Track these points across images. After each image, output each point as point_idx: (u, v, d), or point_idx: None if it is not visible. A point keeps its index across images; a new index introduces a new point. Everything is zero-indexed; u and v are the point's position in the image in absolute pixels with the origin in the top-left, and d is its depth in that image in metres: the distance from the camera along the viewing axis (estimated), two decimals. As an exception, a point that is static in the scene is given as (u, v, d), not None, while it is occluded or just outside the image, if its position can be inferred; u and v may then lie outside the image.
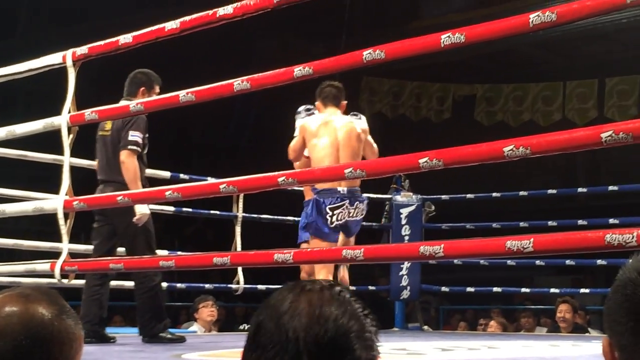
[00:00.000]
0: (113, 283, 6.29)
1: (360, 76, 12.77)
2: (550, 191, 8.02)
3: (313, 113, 5.39)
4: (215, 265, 3.75)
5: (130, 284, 6.73)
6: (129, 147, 4.88)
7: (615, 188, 7.51)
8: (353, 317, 1.17)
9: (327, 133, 5.02)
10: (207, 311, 6.89)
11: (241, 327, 8.16)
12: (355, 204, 5.10)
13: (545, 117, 12.15)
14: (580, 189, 8.69)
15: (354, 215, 5.09)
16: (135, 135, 4.91)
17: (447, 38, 2.68)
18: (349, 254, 2.91)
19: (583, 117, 11.67)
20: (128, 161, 4.86)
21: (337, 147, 5.02)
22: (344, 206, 5.05)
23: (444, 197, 7.94)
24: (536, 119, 12.19)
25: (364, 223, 7.64)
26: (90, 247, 5.90)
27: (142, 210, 4.88)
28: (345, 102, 5.26)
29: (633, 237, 2.28)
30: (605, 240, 2.33)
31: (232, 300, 10.58)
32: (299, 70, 3.08)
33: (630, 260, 1.07)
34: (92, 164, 5.86)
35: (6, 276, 4.81)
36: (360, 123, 5.22)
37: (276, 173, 3.13)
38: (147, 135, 5.05)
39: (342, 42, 9.71)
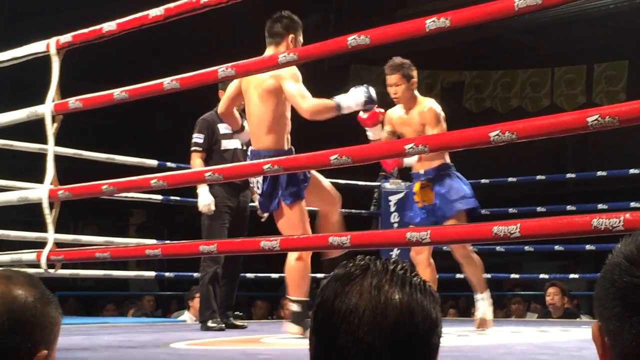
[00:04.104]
0: (100, 273, 6.30)
1: (349, 64, 12.74)
2: (539, 177, 8.02)
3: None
4: (202, 254, 3.74)
5: (117, 273, 6.73)
6: (191, 149, 5.51)
7: (604, 173, 7.52)
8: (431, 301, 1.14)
9: (245, 95, 4.50)
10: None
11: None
12: None
13: (533, 103, 12.15)
14: (569, 175, 8.69)
15: None
16: (195, 137, 5.50)
17: (432, 23, 2.66)
18: (336, 241, 2.89)
19: (572, 103, 11.68)
20: (191, 162, 5.50)
21: (249, 112, 4.50)
22: None
23: (432, 184, 7.93)
24: (525, 106, 12.20)
25: (352, 210, 7.62)
26: (78, 237, 5.89)
27: (201, 202, 5.39)
28: (292, 35, 4.42)
29: (620, 222, 2.27)
30: (592, 224, 2.32)
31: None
32: (284, 57, 3.05)
33: (618, 245, 1.05)
34: (78, 152, 5.84)
35: (-8, 266, 4.78)
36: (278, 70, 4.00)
37: (261, 161, 3.12)
38: (215, 132, 5.49)
39: (329, 31, 9.69)
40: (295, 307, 4.38)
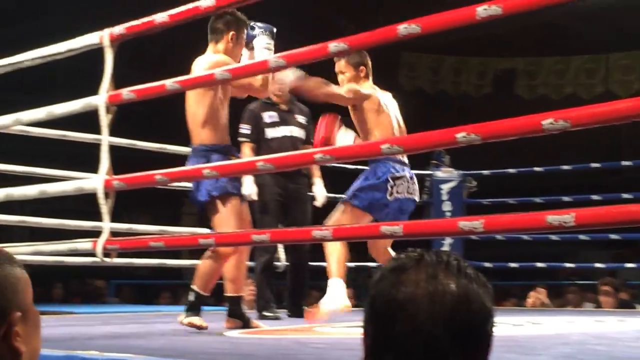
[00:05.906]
0: (155, 262, 6.35)
1: (399, 52, 12.69)
2: (593, 165, 7.90)
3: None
4: (254, 243, 3.76)
5: (172, 262, 6.79)
6: (240, 139, 5.55)
7: (660, 161, 7.40)
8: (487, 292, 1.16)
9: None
10: (247, 290, 6.89)
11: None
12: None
13: (588, 90, 11.99)
14: (624, 162, 8.53)
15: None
16: (243, 128, 5.61)
17: (483, 11, 2.62)
18: (388, 230, 2.88)
19: (627, 90, 11.50)
20: (241, 153, 5.39)
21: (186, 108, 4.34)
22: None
23: (485, 172, 7.87)
24: (579, 92, 12.04)
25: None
26: (133, 226, 5.96)
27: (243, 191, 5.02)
28: (233, 32, 4.30)
29: (677, 210, 2.23)
30: (649, 213, 2.28)
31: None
32: (335, 46, 3.04)
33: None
34: (132, 143, 5.90)
35: (50, 255, 4.86)
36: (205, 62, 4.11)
37: (311, 150, 3.12)
38: (259, 122, 5.56)
39: (377, 18, 9.66)
40: (191, 297, 4.29)
